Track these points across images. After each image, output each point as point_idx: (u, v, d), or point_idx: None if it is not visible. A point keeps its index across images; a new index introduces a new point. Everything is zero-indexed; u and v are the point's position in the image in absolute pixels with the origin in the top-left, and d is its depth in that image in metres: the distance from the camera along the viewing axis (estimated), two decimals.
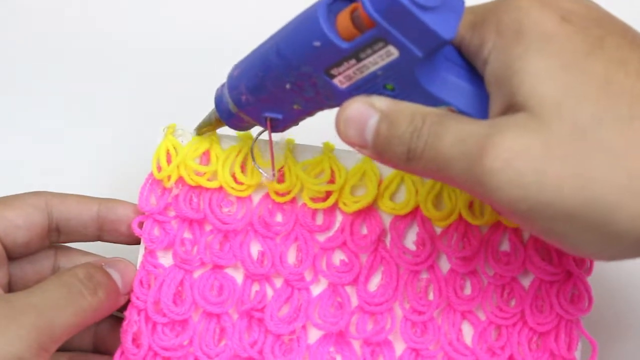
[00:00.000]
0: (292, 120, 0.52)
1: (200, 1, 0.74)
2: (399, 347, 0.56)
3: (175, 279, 0.57)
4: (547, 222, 0.43)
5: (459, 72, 0.47)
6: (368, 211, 0.57)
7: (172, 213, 0.58)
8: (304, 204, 0.58)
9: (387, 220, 0.57)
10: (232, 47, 0.71)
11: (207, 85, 0.71)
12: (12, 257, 0.56)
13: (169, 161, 0.58)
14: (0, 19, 0.74)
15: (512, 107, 0.44)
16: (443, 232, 0.57)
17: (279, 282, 0.57)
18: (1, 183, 0.65)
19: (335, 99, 0.48)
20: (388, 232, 0.57)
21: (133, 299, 0.57)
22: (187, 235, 0.58)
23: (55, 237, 0.58)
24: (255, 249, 0.58)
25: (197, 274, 0.57)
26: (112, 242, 0.59)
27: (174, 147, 0.58)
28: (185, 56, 0.72)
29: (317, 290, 0.57)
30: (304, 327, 0.56)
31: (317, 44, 0.46)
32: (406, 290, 0.56)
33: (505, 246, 0.57)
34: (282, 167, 0.57)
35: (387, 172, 0.58)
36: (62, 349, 0.54)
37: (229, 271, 0.57)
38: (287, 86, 0.49)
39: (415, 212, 0.57)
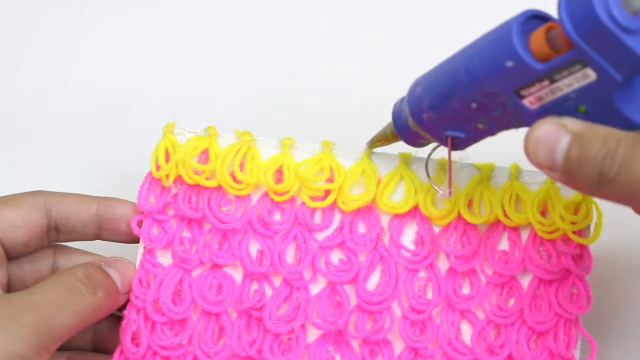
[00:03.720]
0: (474, 139, 0.51)
1: (203, 4, 0.74)
2: (398, 346, 0.56)
3: (174, 278, 0.57)
4: None
5: None
6: (367, 210, 0.57)
7: (171, 212, 0.58)
8: (303, 203, 0.58)
9: (385, 219, 0.57)
10: (232, 47, 0.72)
11: (206, 84, 0.71)
12: (11, 256, 0.56)
13: (167, 160, 0.58)
14: None
15: None
16: (442, 231, 0.57)
17: (277, 281, 0.57)
18: (0, 183, 0.65)
19: (524, 119, 0.47)
20: (387, 231, 0.57)
21: (132, 298, 0.57)
22: (186, 234, 0.58)
23: (54, 236, 0.58)
24: (254, 248, 0.58)
25: (196, 273, 0.57)
26: (111, 240, 0.59)
27: (173, 146, 0.58)
28: (185, 55, 0.72)
29: (315, 289, 0.57)
30: (302, 326, 0.56)
31: (509, 64, 0.44)
32: (405, 289, 0.56)
33: (504, 245, 0.57)
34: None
35: (386, 170, 0.58)
36: (61, 348, 0.54)
37: (228, 270, 0.57)
38: (473, 105, 0.48)
39: (414, 211, 0.57)
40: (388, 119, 0.65)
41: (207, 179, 0.58)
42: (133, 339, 0.57)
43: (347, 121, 0.68)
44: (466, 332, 0.56)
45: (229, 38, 0.72)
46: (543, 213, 0.56)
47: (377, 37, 0.71)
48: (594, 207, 0.56)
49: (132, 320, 0.57)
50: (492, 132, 0.50)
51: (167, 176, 0.58)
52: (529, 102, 0.46)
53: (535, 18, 0.45)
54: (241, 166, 0.58)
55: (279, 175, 0.58)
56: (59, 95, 0.71)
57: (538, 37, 0.44)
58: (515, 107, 0.47)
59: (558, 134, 0.45)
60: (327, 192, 0.58)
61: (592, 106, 0.45)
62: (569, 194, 0.56)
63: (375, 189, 0.57)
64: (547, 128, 0.45)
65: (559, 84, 0.44)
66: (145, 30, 0.73)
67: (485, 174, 0.57)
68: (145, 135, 0.60)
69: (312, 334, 0.56)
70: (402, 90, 0.69)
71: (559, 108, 0.45)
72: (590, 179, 0.44)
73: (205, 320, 0.57)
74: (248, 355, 0.56)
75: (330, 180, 0.58)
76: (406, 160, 0.58)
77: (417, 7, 0.72)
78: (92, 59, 0.72)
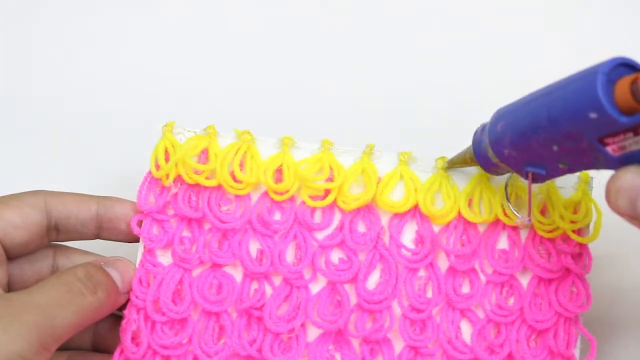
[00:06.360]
0: (555, 175, 0.50)
1: (203, 4, 0.74)
2: (398, 345, 0.56)
3: (175, 278, 0.57)
4: None
5: None
6: (367, 209, 0.57)
7: (170, 211, 0.58)
8: (303, 202, 0.58)
9: (385, 218, 0.57)
10: (232, 47, 0.72)
11: (206, 84, 0.71)
12: (11, 256, 0.56)
13: (167, 159, 0.58)
14: None
15: None
16: (442, 230, 0.57)
17: (277, 281, 0.57)
18: (0, 183, 0.65)
19: (606, 164, 0.46)
20: (387, 230, 0.57)
21: (132, 297, 0.57)
22: (186, 233, 0.58)
23: (54, 236, 0.58)
24: (254, 247, 0.58)
25: (196, 273, 0.57)
26: (111, 240, 0.59)
27: (172, 145, 0.58)
28: (185, 55, 0.72)
29: (316, 288, 0.57)
30: (303, 325, 0.56)
31: (593, 115, 0.44)
32: (405, 288, 0.56)
33: (504, 244, 0.57)
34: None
35: (385, 170, 0.58)
36: (61, 348, 0.54)
37: (228, 270, 0.57)
38: (555, 148, 0.47)
39: (414, 210, 0.57)
40: (388, 118, 0.65)
41: (206, 178, 0.58)
42: (133, 339, 0.57)
43: (347, 120, 0.68)
44: (466, 331, 0.56)
45: (229, 37, 0.72)
46: (543, 212, 0.56)
47: (376, 36, 0.71)
48: (593, 206, 0.56)
49: (132, 319, 0.57)
50: (572, 171, 0.49)
51: (167, 176, 0.58)
52: (612, 149, 0.45)
53: (622, 65, 0.44)
54: (241, 165, 0.58)
55: (278, 174, 0.58)
56: (58, 95, 0.71)
57: (623, 89, 0.43)
58: (597, 153, 0.46)
59: None
60: (327, 192, 0.58)
61: None
62: (569, 193, 0.56)
63: (375, 188, 0.57)
64: (629, 178, 0.44)
65: None
66: (145, 30, 0.73)
67: (485, 174, 0.57)
68: (145, 135, 0.60)
69: (313, 333, 0.56)
70: (401, 89, 0.70)
71: None
72: None
73: (205, 319, 0.57)
74: (248, 355, 0.56)
75: (330, 179, 0.58)
76: (406, 159, 0.58)
77: (417, 7, 0.72)
78: (92, 59, 0.72)
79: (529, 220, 0.55)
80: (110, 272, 0.56)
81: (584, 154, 0.47)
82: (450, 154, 0.57)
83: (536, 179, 0.51)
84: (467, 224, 0.57)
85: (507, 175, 0.56)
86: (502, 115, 0.51)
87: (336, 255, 0.57)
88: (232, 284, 0.57)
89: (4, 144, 0.70)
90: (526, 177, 0.51)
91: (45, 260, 0.58)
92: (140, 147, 0.61)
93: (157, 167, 0.58)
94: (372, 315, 0.56)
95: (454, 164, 0.57)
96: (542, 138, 0.47)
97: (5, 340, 0.48)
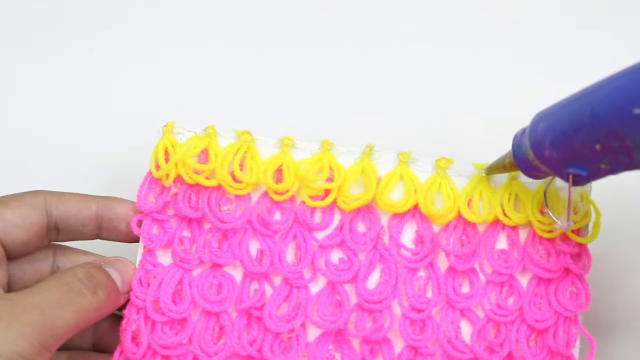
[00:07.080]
0: (595, 177, 0.50)
1: (202, 4, 0.74)
2: (398, 345, 0.56)
3: (175, 278, 0.57)
4: None
5: None
6: (366, 209, 0.57)
7: (170, 211, 0.58)
8: (303, 202, 0.58)
9: (385, 218, 0.57)
10: (232, 47, 0.72)
11: (206, 84, 0.71)
12: (11, 256, 0.56)
13: (167, 159, 0.58)
14: None
15: None
16: (441, 230, 0.57)
17: (277, 281, 0.57)
18: (0, 182, 0.65)
19: None
20: (386, 230, 0.57)
21: (132, 297, 0.57)
22: (186, 233, 0.58)
23: (54, 235, 0.58)
24: (254, 247, 0.58)
25: (196, 273, 0.58)
26: (111, 240, 0.59)
27: (172, 145, 0.58)
28: (185, 54, 0.72)
29: (315, 288, 0.57)
30: (302, 325, 0.56)
31: (637, 111, 0.43)
32: (405, 288, 0.56)
33: (503, 244, 0.57)
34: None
35: (385, 170, 0.58)
36: (61, 348, 0.54)
37: (228, 270, 0.58)
38: (597, 147, 0.47)
39: (413, 210, 0.57)
40: (388, 118, 0.65)
41: (206, 178, 0.58)
42: (133, 339, 0.57)
43: (347, 120, 0.68)
44: (466, 330, 0.56)
45: (229, 37, 0.72)
46: (542, 212, 0.56)
47: (376, 36, 0.71)
48: (592, 206, 0.56)
49: (132, 319, 0.57)
50: (614, 172, 0.49)
51: (167, 176, 0.58)
52: None
53: None
54: (241, 165, 0.58)
55: (278, 174, 0.58)
56: (59, 95, 0.71)
57: None
58: None
59: None
60: (327, 192, 0.58)
61: None
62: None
63: (375, 188, 0.57)
64: None
65: None
66: (145, 30, 0.73)
67: (485, 175, 0.57)
68: (145, 135, 0.60)
69: (312, 333, 0.57)
70: (401, 89, 0.70)
71: None
72: None
73: (205, 319, 0.57)
74: (248, 355, 0.56)
75: (330, 179, 0.58)
76: (406, 159, 0.58)
77: (416, 8, 0.72)
78: (92, 58, 0.72)
79: (569, 225, 0.54)
80: (110, 272, 0.56)
81: (627, 153, 0.46)
82: (450, 154, 0.57)
83: (577, 181, 0.51)
84: (467, 224, 0.57)
85: (546, 181, 0.55)
86: (543, 116, 0.50)
87: (336, 255, 0.57)
88: (232, 284, 0.57)
89: (4, 144, 0.70)
90: (567, 180, 0.51)
91: (45, 260, 0.58)
92: (140, 147, 0.61)
93: (157, 167, 0.58)
94: (372, 315, 0.56)
95: (492, 171, 0.57)
96: (585, 137, 0.47)
97: (6, 341, 0.48)
